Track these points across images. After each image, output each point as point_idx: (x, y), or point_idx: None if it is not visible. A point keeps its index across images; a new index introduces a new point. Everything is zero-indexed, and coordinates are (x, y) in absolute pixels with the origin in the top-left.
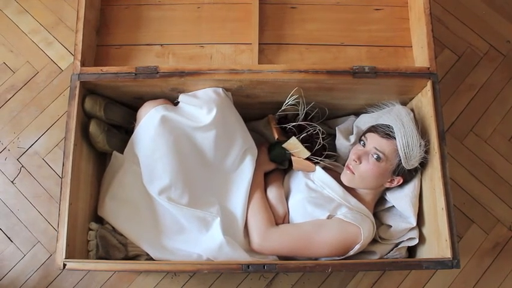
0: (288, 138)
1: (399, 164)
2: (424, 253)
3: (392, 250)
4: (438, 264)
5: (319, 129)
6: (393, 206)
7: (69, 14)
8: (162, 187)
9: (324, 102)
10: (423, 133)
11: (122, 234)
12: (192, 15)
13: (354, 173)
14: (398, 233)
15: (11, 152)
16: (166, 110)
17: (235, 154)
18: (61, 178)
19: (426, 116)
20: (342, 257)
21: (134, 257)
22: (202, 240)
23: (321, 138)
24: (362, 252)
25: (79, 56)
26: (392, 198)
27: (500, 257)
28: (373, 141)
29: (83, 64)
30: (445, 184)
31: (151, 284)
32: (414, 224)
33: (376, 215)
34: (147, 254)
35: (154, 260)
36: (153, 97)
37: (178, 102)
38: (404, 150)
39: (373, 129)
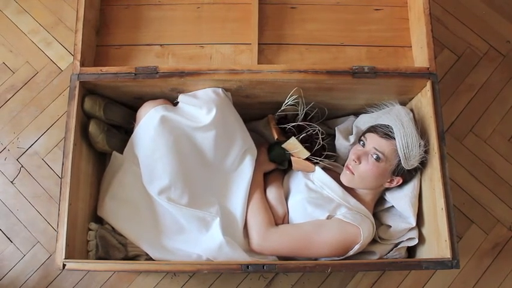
0: (288, 138)
1: (399, 164)
2: (423, 253)
3: (392, 250)
4: (438, 264)
5: (318, 130)
6: (393, 206)
7: (69, 14)
8: (162, 187)
9: (323, 103)
10: (423, 133)
11: (121, 235)
12: (192, 15)
13: (353, 173)
14: (398, 233)
15: (11, 152)
16: (166, 110)
17: (234, 154)
18: (61, 178)
19: (426, 116)
20: (342, 257)
21: (134, 257)
22: (202, 241)
23: (320, 138)
24: (362, 253)
25: (79, 56)
26: (391, 198)
27: (499, 258)
28: (373, 141)
29: (82, 64)
30: (444, 184)
31: (151, 284)
32: (414, 224)
33: (375, 215)
34: (147, 254)
35: (154, 260)
36: (153, 97)
37: (178, 102)
38: (403, 150)
39: (372, 129)
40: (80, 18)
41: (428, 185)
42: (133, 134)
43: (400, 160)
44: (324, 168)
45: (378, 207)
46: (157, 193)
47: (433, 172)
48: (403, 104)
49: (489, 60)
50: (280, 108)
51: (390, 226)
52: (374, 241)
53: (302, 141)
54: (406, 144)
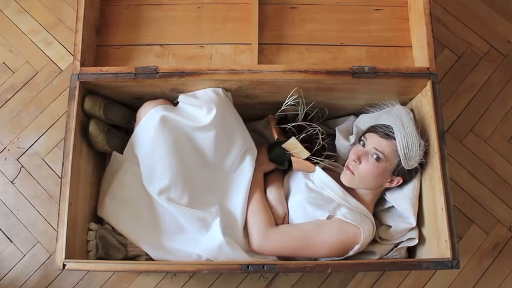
0: (288, 138)
1: (399, 164)
2: (423, 253)
3: (392, 250)
4: (438, 264)
5: (318, 130)
6: (393, 206)
7: (69, 14)
8: (162, 187)
9: (323, 103)
10: (423, 133)
11: (121, 235)
12: (192, 16)
13: (353, 173)
14: (398, 233)
15: (11, 152)
16: (166, 110)
17: (235, 154)
18: (61, 178)
19: (426, 116)
20: (342, 257)
21: (134, 257)
22: (202, 241)
23: (320, 138)
24: (362, 253)
25: (79, 56)
26: (392, 198)
27: (500, 258)
28: (373, 141)
29: (82, 64)
30: (445, 184)
31: (151, 284)
32: (414, 224)
33: (375, 215)
34: (147, 254)
35: (154, 260)
36: (153, 97)
37: (178, 102)
38: (404, 150)
39: (372, 129)
40: (80, 18)
41: (428, 185)
42: (134, 134)
43: (400, 160)
44: (324, 169)
45: (378, 207)
46: (158, 193)
47: (433, 172)
48: (404, 104)
49: (489, 60)
50: (280, 108)
51: (390, 226)
52: (374, 241)
53: (302, 141)
54: (406, 144)
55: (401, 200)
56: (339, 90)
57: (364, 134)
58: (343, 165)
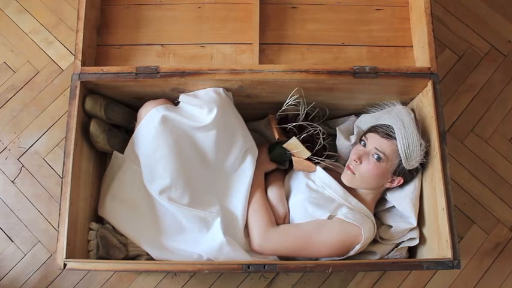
0: (289, 138)
1: (400, 164)
2: (424, 253)
3: (392, 250)
4: (439, 264)
5: (319, 130)
6: (394, 206)
7: (70, 13)
8: (163, 187)
9: (324, 103)
10: (424, 133)
11: (122, 234)
12: (193, 15)
13: (354, 173)
14: (398, 233)
15: (12, 151)
16: (167, 109)
17: (235, 154)
18: (61, 178)
19: (427, 116)
20: (343, 257)
21: (135, 257)
22: (203, 240)
23: (321, 138)
24: (362, 253)
25: (80, 56)
26: (392, 198)
27: (500, 258)
28: (374, 141)
29: (83, 64)
30: (445, 184)
31: (151, 284)
32: (415, 224)
33: (376, 215)
34: (148, 254)
35: (154, 260)
36: (154, 97)
37: (179, 102)
38: (404, 150)
39: (373, 129)
40: (80, 18)
41: (429, 185)
42: (134, 133)
43: (401, 160)
44: (325, 168)
45: (379, 207)
46: (158, 193)
47: (434, 172)
48: (404, 104)
49: (490, 60)
50: (281, 108)
51: (391, 226)
52: (375, 241)
53: (303, 141)
54: (407, 144)
55: (402, 200)
56: (340, 90)
57: (365, 134)
58: (344, 165)
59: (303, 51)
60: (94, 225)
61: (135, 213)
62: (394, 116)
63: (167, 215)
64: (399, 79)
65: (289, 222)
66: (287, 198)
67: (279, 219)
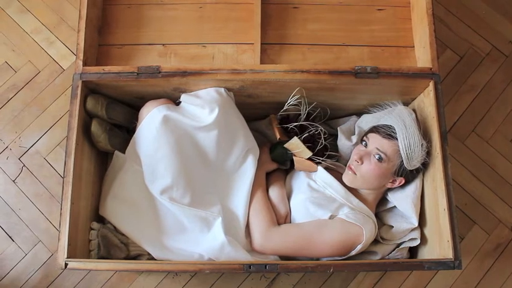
0: (290, 138)
1: (401, 164)
2: (425, 254)
3: (393, 250)
4: (440, 264)
5: (321, 130)
6: (395, 206)
7: (71, 13)
8: (164, 187)
9: (325, 103)
10: (425, 134)
11: (123, 234)
12: (194, 15)
13: (355, 173)
14: (400, 234)
15: (13, 151)
16: (168, 109)
17: (237, 154)
18: (63, 177)
19: (428, 117)
20: (344, 257)
21: (136, 257)
22: (204, 240)
23: (322, 138)
24: (363, 253)
25: (81, 56)
26: (394, 198)
27: (501, 258)
28: (375, 141)
29: (85, 63)
30: (447, 185)
31: (152, 284)
32: (416, 224)
33: (377, 215)
34: (149, 254)
35: (155, 259)
36: (155, 97)
37: (180, 102)
38: (406, 150)
39: (374, 129)
40: (82, 18)
41: (430, 185)
42: (136, 133)
43: (402, 160)
44: (326, 168)
45: (380, 208)
46: (160, 192)
47: (436, 172)
48: (406, 104)
49: (491, 60)
50: (283, 108)
51: (392, 226)
52: (376, 241)
53: (304, 141)
54: (408, 144)
55: (403, 201)
56: (341, 90)
57: (366, 134)
58: (345, 165)
59: (304, 51)
60: (95, 224)
61: (136, 213)
62: (396, 116)
63: (168, 214)
64: (400, 79)
65: (290, 222)
66: (288, 198)
67: (280, 219)
